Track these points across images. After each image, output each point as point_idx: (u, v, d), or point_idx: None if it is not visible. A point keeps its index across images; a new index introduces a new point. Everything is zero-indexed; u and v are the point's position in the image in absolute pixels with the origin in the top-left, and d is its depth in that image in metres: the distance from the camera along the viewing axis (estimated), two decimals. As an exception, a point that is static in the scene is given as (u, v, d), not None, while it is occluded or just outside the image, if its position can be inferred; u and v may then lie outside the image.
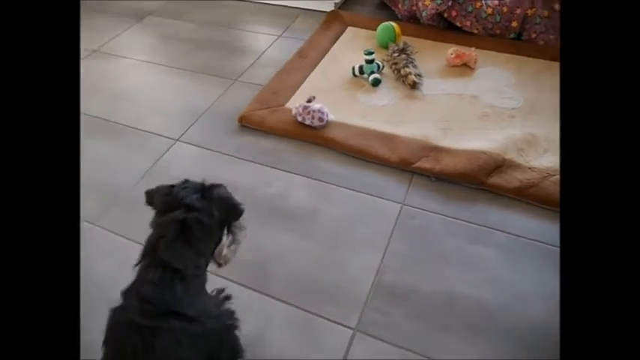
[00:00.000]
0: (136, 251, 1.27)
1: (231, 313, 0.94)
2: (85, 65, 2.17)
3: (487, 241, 1.27)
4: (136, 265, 0.83)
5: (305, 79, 1.88)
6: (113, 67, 2.15)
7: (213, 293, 0.97)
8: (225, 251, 0.91)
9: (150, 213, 1.37)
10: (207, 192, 0.86)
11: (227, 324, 0.92)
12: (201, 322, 0.80)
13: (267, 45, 2.17)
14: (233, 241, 0.93)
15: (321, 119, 1.58)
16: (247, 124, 1.69)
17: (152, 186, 1.46)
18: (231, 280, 1.22)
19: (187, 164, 1.58)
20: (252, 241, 1.30)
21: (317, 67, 1.94)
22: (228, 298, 0.96)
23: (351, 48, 2.04)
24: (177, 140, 1.68)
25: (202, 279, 0.88)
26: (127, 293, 0.80)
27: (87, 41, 2.34)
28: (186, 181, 0.89)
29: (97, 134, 1.75)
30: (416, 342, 1.07)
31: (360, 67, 1.83)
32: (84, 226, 1.40)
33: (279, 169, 1.53)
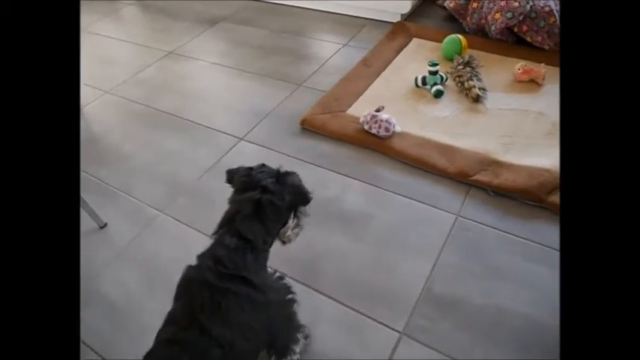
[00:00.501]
0: (198, 240, 1.36)
1: (289, 288, 1.01)
2: (160, 65, 2.33)
3: (542, 259, 1.24)
4: (213, 234, 0.90)
5: (368, 88, 1.91)
6: (186, 68, 2.29)
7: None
8: (289, 232, 0.98)
9: (212, 205, 1.46)
10: (282, 177, 0.94)
11: (287, 298, 0.98)
12: (264, 292, 0.86)
13: (331, 53, 2.23)
14: (297, 225, 0.99)
15: (387, 129, 1.61)
16: (309, 127, 1.75)
17: (216, 181, 1.56)
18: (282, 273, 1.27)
19: (250, 162, 1.63)
20: (305, 239, 1.34)
21: (380, 76, 1.97)
22: (282, 277, 1.01)
23: (415, 59, 2.05)
24: (241, 139, 1.77)
25: (267, 254, 0.94)
26: (202, 256, 0.88)
27: (163, 43, 2.51)
28: (264, 165, 0.98)
29: (167, 129, 1.87)
30: (461, 352, 1.06)
31: (423, 78, 1.84)
32: (152, 212, 1.50)
33: (337, 173, 1.57)
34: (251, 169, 0.95)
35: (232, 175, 0.98)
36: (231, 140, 1.77)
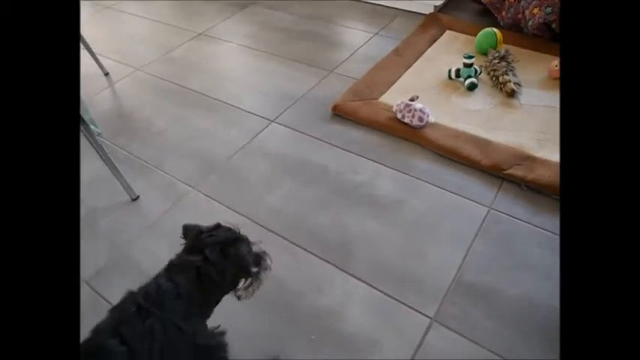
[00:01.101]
0: (229, 216, 1.37)
1: (222, 345, 0.98)
2: (191, 45, 2.34)
3: (577, 255, 1.23)
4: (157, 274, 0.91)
5: (399, 77, 1.90)
6: (216, 49, 2.30)
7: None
8: (240, 292, 0.97)
9: (243, 184, 1.48)
10: (227, 249, 0.91)
11: (215, 345, 0.96)
12: (189, 334, 0.87)
13: (363, 41, 2.22)
14: (251, 284, 0.97)
15: (420, 119, 1.60)
16: (340, 113, 1.75)
17: (247, 161, 1.57)
18: (314, 254, 1.28)
19: (281, 144, 1.66)
20: (336, 221, 1.36)
21: (412, 67, 1.96)
22: (221, 333, 0.99)
23: (448, 51, 2.04)
24: (272, 121, 1.77)
25: (205, 310, 0.94)
26: (140, 287, 0.89)
27: (193, 25, 2.51)
28: (218, 226, 0.95)
29: (198, 108, 1.88)
30: (491, 340, 1.06)
31: (457, 70, 1.83)
32: (183, 188, 1.52)
33: (368, 159, 1.57)
34: (201, 232, 0.94)
35: (186, 232, 0.96)
36: (262, 122, 1.77)
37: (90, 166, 1.63)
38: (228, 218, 1.37)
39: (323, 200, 1.43)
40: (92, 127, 1.75)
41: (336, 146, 1.63)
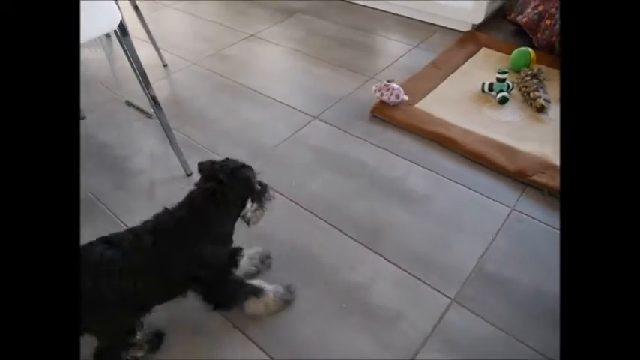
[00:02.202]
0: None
1: (234, 261, 1.21)
2: (243, 45, 2.53)
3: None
4: (172, 207, 1.09)
5: (435, 87, 2.04)
6: (266, 50, 2.48)
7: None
8: (248, 214, 1.16)
9: (286, 170, 1.63)
10: (236, 171, 1.11)
11: (220, 260, 1.15)
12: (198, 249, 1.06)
13: (402, 52, 2.37)
14: (257, 209, 1.17)
15: (397, 96, 1.88)
16: (378, 115, 1.89)
17: (290, 150, 1.73)
18: (348, 235, 1.41)
19: (322, 139, 1.81)
20: (370, 209, 1.50)
21: (448, 79, 2.10)
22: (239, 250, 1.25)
23: (483, 67, 2.17)
24: (315, 118, 1.93)
25: (224, 231, 1.14)
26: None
27: (246, 27, 2.71)
28: (227, 160, 1.14)
29: (249, 102, 2.06)
30: (505, 322, 1.18)
31: (490, 84, 1.96)
32: (233, 169, 1.68)
33: (402, 157, 1.70)
34: (214, 162, 1.13)
35: (201, 166, 1.15)
36: (305, 118, 1.93)
37: (150, 143, 1.82)
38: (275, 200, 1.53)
39: (359, 190, 1.57)
40: (151, 110, 1.95)
41: (373, 144, 1.77)
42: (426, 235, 1.41)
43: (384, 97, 1.90)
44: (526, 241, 1.39)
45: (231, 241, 1.19)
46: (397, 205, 1.52)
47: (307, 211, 1.50)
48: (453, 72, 2.14)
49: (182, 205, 1.08)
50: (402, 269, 1.32)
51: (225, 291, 1.16)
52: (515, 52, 2.11)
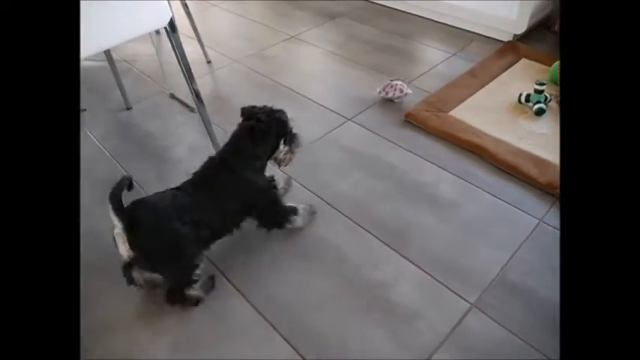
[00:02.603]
0: (302, 191, 1.58)
1: (273, 183, 1.36)
2: (283, 46, 2.60)
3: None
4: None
5: (471, 96, 2.05)
6: (306, 52, 2.54)
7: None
8: (281, 155, 1.34)
9: (318, 166, 1.68)
10: (272, 113, 1.32)
11: (268, 186, 1.34)
12: (244, 179, 1.27)
13: (440, 60, 2.38)
14: (288, 151, 1.35)
15: (401, 90, 2.00)
16: (412, 120, 1.92)
17: (323, 148, 1.77)
18: (373, 235, 1.45)
19: (354, 140, 1.85)
20: (397, 211, 1.53)
21: (484, 88, 2.10)
22: (272, 179, 1.37)
23: (521, 78, 2.16)
24: (349, 120, 1.97)
25: (260, 164, 1.32)
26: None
27: (287, 28, 2.78)
28: (264, 106, 1.34)
29: (286, 101, 2.12)
30: (523, 331, 1.18)
31: (527, 95, 1.95)
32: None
33: (432, 163, 1.72)
34: (254, 107, 1.33)
35: (243, 110, 1.35)
36: (339, 119, 1.98)
37: (191, 135, 1.91)
38: (302, 194, 1.59)
39: (387, 192, 1.61)
40: (194, 105, 2.04)
41: (405, 148, 1.80)
42: (451, 240, 1.43)
43: (389, 95, 2.01)
44: (551, 253, 1.38)
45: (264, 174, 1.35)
46: (424, 209, 1.54)
47: (334, 208, 1.55)
48: (490, 81, 2.14)
49: (225, 145, 1.29)
50: (425, 272, 1.34)
51: (276, 213, 1.37)
52: (555, 64, 2.09)
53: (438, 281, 1.32)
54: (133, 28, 1.29)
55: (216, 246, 1.33)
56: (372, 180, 1.66)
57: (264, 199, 1.32)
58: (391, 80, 2.02)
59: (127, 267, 1.13)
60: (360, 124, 1.94)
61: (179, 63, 1.50)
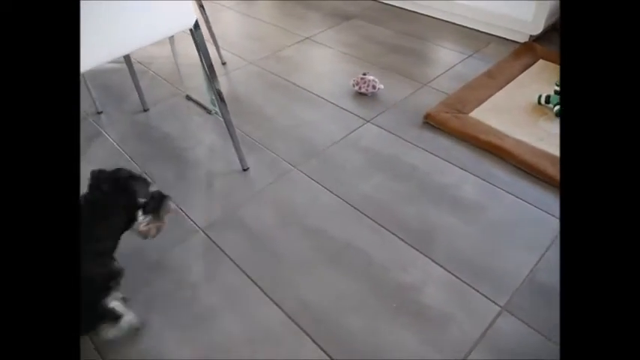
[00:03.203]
0: (326, 195, 1.58)
1: (113, 276, 1.07)
2: (297, 47, 2.60)
3: None
4: None
5: (489, 97, 2.04)
6: (320, 53, 2.54)
7: None
8: (142, 227, 1.08)
9: (339, 170, 1.67)
10: (120, 181, 1.05)
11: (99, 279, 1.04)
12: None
13: (457, 61, 2.38)
14: (151, 220, 1.09)
15: (374, 87, 2.07)
16: (431, 122, 1.91)
17: (343, 152, 1.77)
18: (399, 238, 1.44)
19: (374, 141, 1.85)
20: (421, 213, 1.52)
21: (503, 89, 2.09)
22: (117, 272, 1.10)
23: (539, 79, 2.15)
24: (368, 121, 1.96)
25: (106, 246, 1.05)
26: None
27: (301, 30, 2.78)
28: (119, 169, 1.10)
29: (303, 102, 2.11)
30: (556, 333, 1.17)
31: (547, 97, 1.94)
32: (287, 166, 1.74)
33: (454, 164, 1.71)
34: (100, 171, 1.07)
35: (92, 176, 1.08)
36: (358, 120, 1.97)
37: (209, 137, 1.91)
38: (324, 197, 1.59)
39: (410, 194, 1.60)
40: (211, 106, 2.04)
41: (425, 150, 1.79)
42: (477, 242, 1.42)
43: (362, 90, 2.09)
44: (580, 255, 1.37)
45: (112, 260, 1.08)
46: (448, 211, 1.53)
47: (358, 210, 1.54)
48: (508, 83, 2.13)
49: None
50: (453, 274, 1.33)
51: (88, 313, 1.03)
52: (574, 65, 2.08)
53: (467, 284, 1.30)
54: (160, 30, 1.29)
55: (243, 253, 1.32)
56: (395, 182, 1.65)
57: (88, 295, 0.96)
58: (364, 74, 2.10)
59: None
60: (379, 126, 1.93)
61: (202, 63, 1.49)
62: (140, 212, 1.06)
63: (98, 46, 1.17)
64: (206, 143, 1.89)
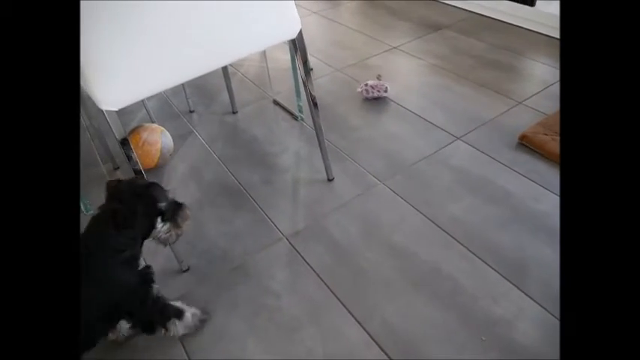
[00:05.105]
0: (412, 213, 1.54)
1: (147, 277, 1.10)
2: (385, 57, 2.57)
3: None
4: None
5: (593, 120, 1.89)
6: (408, 63, 2.49)
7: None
8: (162, 235, 1.09)
9: (426, 188, 1.62)
10: (140, 189, 1.05)
11: (136, 283, 1.08)
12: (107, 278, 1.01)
13: (554, 79, 2.23)
14: (171, 227, 1.09)
15: (385, 90, 2.13)
16: (527, 143, 1.81)
17: (432, 168, 1.72)
18: (490, 266, 1.37)
19: (465, 160, 1.77)
20: (514, 241, 1.44)
21: (608, 112, 1.94)
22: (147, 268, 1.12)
23: (651, 103, 1.97)
24: (458, 138, 1.89)
25: (129, 254, 1.05)
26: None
27: (389, 39, 2.74)
28: (134, 179, 1.10)
29: (389, 114, 2.08)
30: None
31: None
32: (372, 180, 1.71)
33: (550, 191, 1.61)
34: (120, 181, 1.07)
35: (108, 187, 1.09)
36: (448, 137, 1.90)
37: (296, 143, 1.92)
38: (410, 216, 1.55)
39: (502, 220, 1.51)
40: (297, 112, 2.05)
41: (520, 173, 1.69)
42: (577, 280, 1.32)
43: (375, 95, 2.13)
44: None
45: (138, 265, 1.11)
46: (544, 241, 1.43)
47: (447, 233, 1.48)
48: (614, 106, 1.97)
49: (84, 234, 1.02)
50: (548, 312, 1.24)
51: (151, 314, 1.12)
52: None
53: (565, 324, 1.21)
54: (268, 38, 1.31)
55: (327, 266, 1.30)
56: (487, 205, 1.57)
57: (134, 299, 1.08)
58: (377, 78, 2.17)
59: None
60: (470, 144, 1.85)
61: (297, 69, 1.50)
62: (159, 220, 1.08)
63: (202, 59, 1.20)
64: (292, 149, 1.91)
